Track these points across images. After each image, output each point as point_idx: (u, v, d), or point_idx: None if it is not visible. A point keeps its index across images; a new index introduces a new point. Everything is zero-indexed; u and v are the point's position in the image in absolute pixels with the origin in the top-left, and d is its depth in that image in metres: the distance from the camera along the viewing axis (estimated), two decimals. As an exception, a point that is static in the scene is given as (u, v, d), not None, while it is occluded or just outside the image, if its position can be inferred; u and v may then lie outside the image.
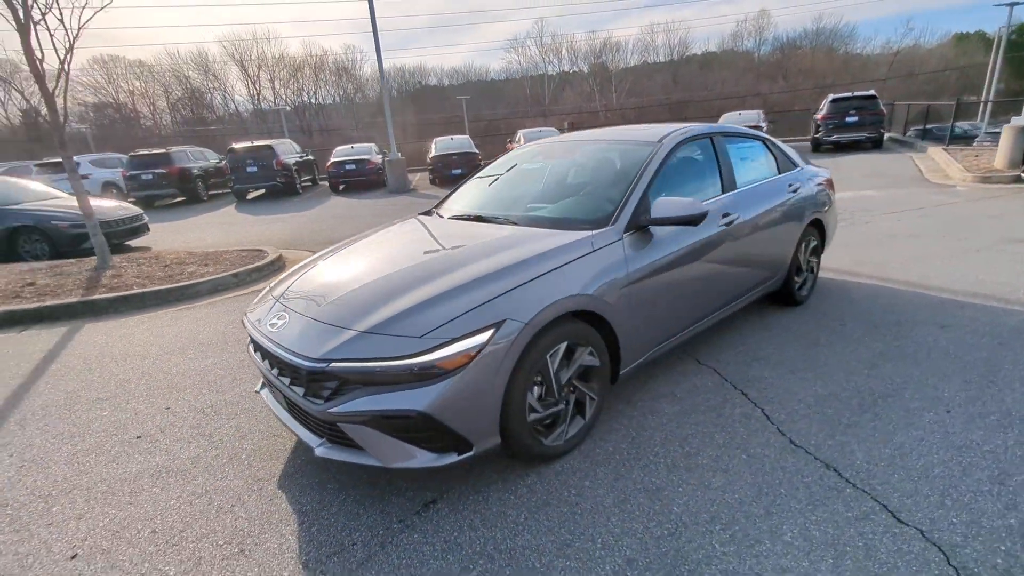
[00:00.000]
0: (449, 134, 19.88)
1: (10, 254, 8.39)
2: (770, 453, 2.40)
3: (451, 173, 15.62)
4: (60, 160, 17.96)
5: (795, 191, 3.87)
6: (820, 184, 4.24)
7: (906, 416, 2.61)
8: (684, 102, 41.44)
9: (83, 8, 6.29)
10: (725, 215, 3.19)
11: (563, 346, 2.33)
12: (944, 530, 1.88)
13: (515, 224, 2.90)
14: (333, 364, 2.02)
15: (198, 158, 17.45)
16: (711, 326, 3.36)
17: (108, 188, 16.68)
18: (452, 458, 2.09)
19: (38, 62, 6.12)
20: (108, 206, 9.44)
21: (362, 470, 2.42)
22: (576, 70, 52.76)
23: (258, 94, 50.11)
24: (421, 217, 3.49)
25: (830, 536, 1.89)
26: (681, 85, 46.27)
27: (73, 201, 9.64)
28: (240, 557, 1.98)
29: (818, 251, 4.28)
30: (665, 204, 2.68)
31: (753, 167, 3.73)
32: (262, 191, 16.75)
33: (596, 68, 50.24)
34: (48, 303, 5.48)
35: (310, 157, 19.03)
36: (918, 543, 1.83)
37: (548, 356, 2.27)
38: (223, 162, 17.14)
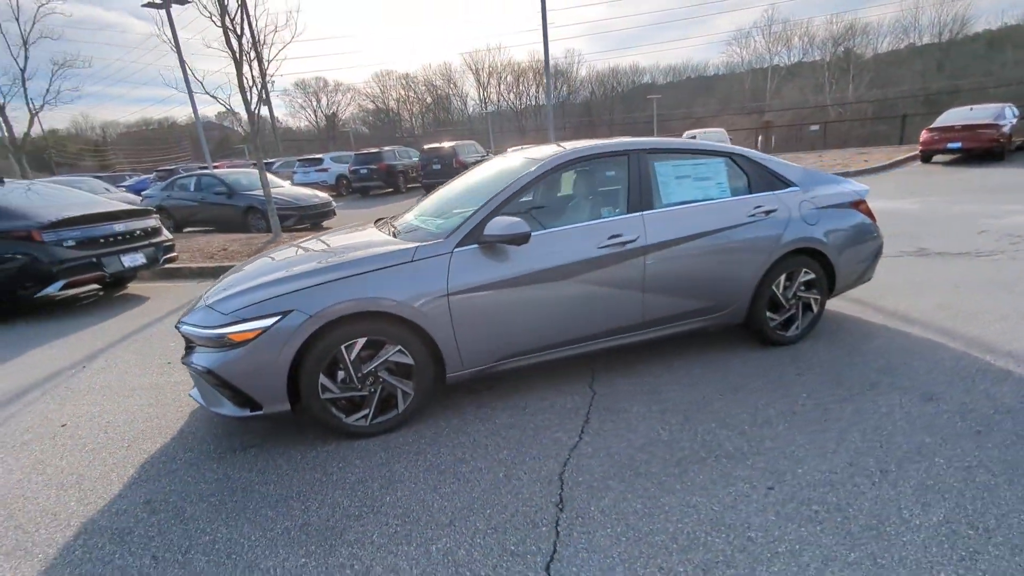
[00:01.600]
0: (647, 135, 19.56)
1: (244, 225, 11.32)
2: (519, 487, 2.36)
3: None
4: (316, 157, 22.88)
5: (767, 214, 3.33)
6: (825, 208, 3.51)
7: (707, 501, 2.26)
8: (950, 92, 33.23)
9: (270, 45, 8.23)
10: (614, 236, 3.01)
11: (361, 340, 2.65)
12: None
13: (396, 233, 3.22)
14: (183, 327, 2.72)
15: (403, 156, 20.46)
16: (641, 345, 3.21)
17: (340, 180, 20.71)
18: (246, 412, 2.61)
19: (249, 84, 8.25)
20: (306, 193, 11.96)
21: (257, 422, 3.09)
22: (808, 59, 46.21)
23: (486, 99, 55.54)
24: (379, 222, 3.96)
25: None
26: (948, 71, 36.95)
27: (292, 189, 12.51)
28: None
29: (818, 286, 3.56)
30: (495, 223, 2.75)
31: (696, 186, 3.32)
32: (447, 185, 19.02)
33: (835, 57, 43.26)
34: (224, 264, 7.48)
35: (490, 158, 20.74)
36: (532, 589, 1.75)
37: (343, 347, 2.62)
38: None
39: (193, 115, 13.78)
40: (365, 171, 19.10)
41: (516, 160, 3.35)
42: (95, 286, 6.78)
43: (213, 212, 11.78)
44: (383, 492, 2.33)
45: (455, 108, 62.63)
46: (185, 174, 12.82)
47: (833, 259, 3.52)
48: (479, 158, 19.32)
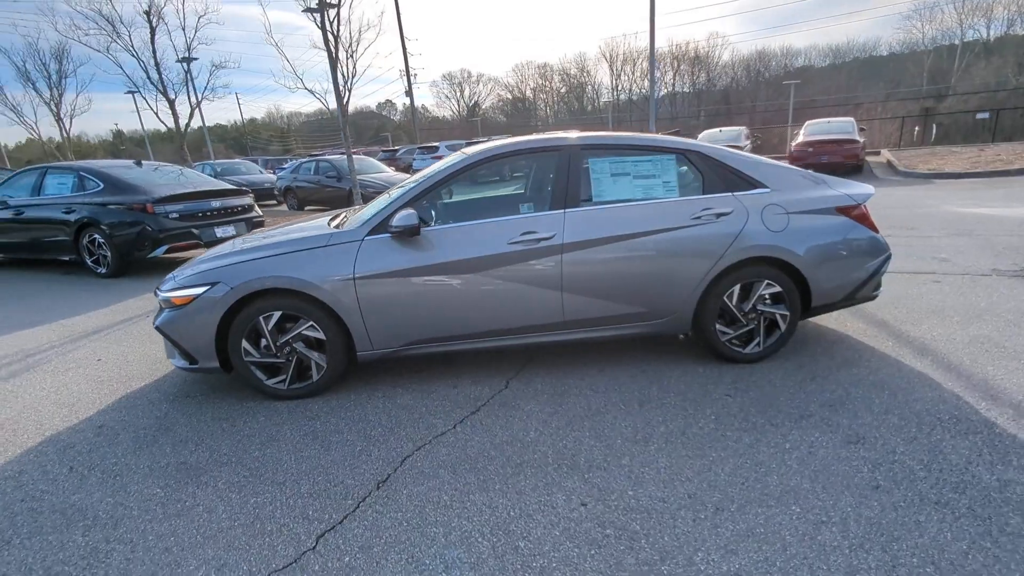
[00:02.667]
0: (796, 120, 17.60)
1: (348, 205, 12.55)
2: (363, 462, 2.49)
3: (819, 160, 12.91)
4: (433, 144, 24.23)
5: (718, 217, 3.00)
6: (800, 213, 3.04)
7: (510, 505, 2.19)
8: None
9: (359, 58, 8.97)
10: (528, 232, 2.94)
11: (277, 314, 2.95)
12: None
13: (343, 222, 3.45)
14: (157, 293, 3.25)
15: None
16: (565, 345, 3.15)
17: (454, 166, 21.77)
18: (186, 364, 3.06)
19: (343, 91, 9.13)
20: (401, 178, 12.84)
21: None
22: (1014, 33, 37.76)
23: (618, 87, 54.09)
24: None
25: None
26: None
27: (392, 175, 13.53)
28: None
29: (787, 301, 3.11)
30: (399, 216, 2.87)
31: (636, 185, 3.07)
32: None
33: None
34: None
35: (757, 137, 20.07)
36: None
37: (261, 317, 2.95)
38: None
39: (338, 105, 15.38)
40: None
41: (455, 155, 3.40)
42: (194, 252, 8.08)
43: (326, 193, 13.22)
44: (258, 447, 2.61)
45: (588, 97, 61.86)
46: (308, 159, 14.47)
47: (806, 271, 3.07)
48: None
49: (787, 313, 3.14)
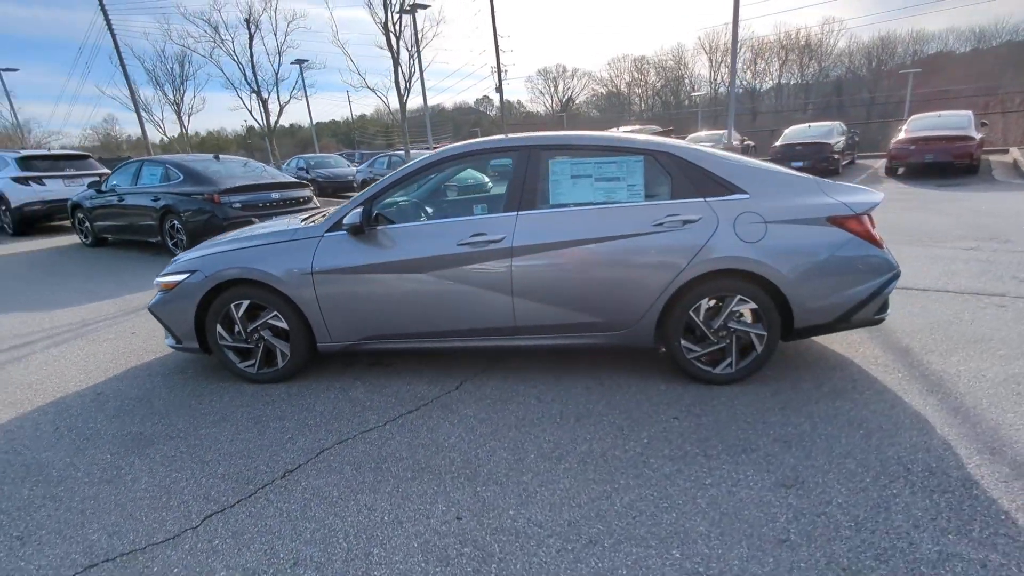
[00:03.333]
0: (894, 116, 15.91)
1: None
2: (285, 450, 2.56)
3: (923, 160, 11.49)
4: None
5: (684, 223, 2.74)
6: (781, 223, 2.69)
7: (388, 508, 2.15)
8: None
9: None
10: (478, 234, 2.87)
11: (246, 303, 3.13)
12: None
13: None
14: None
15: None
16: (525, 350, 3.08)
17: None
18: (174, 344, 3.35)
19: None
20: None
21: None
22: None
23: (716, 80, 51.09)
24: None
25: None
26: None
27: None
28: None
29: (764, 319, 2.77)
30: (350, 215, 2.92)
31: (597, 188, 2.86)
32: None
33: None
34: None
35: (749, 142, 19.12)
36: None
37: (232, 305, 3.15)
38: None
39: (399, 102, 16.07)
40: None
41: (422, 156, 3.39)
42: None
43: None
44: (208, 426, 2.80)
45: (684, 91, 59.02)
46: (381, 154, 15.16)
47: (786, 288, 2.72)
48: (740, 143, 18.32)
49: (763, 333, 2.81)
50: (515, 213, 2.90)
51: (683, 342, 2.88)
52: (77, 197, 9.31)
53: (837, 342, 3.38)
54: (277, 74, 12.93)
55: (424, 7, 24.34)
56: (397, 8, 21.36)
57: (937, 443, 2.27)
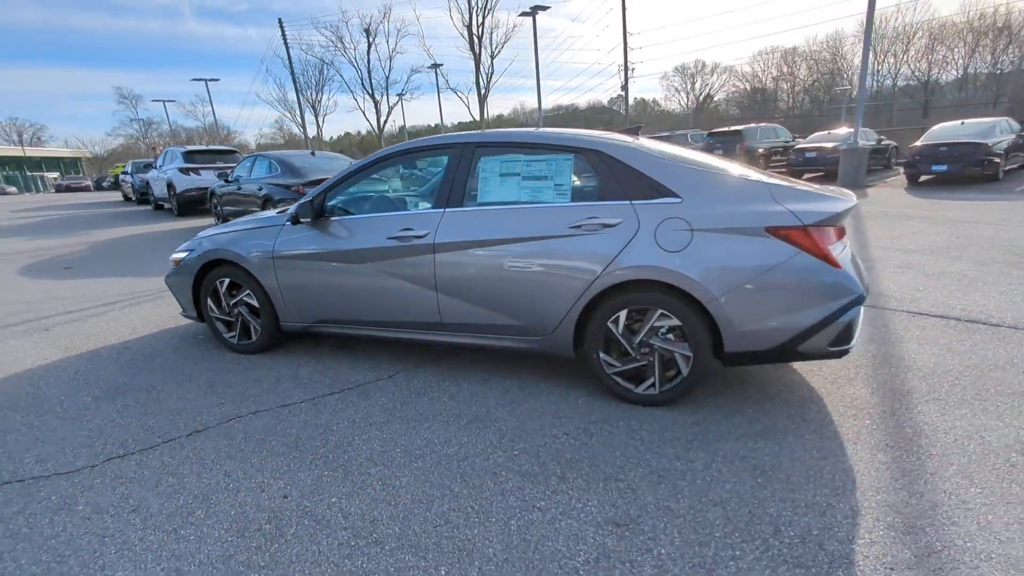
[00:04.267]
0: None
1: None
2: (190, 416, 2.82)
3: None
4: (668, 134, 23.38)
5: (604, 227, 2.50)
6: (710, 231, 2.34)
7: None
8: None
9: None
10: (406, 229, 2.89)
11: (227, 280, 3.50)
12: None
13: None
14: None
15: (767, 136, 17.00)
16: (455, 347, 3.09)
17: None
18: (183, 313, 3.85)
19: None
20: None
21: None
22: None
23: (879, 71, 44.58)
24: None
25: (112, 435, 2.62)
26: None
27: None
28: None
29: (690, 339, 2.42)
30: (298, 204, 3.11)
31: (524, 186, 2.71)
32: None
33: None
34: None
35: (889, 142, 16.53)
36: None
37: (217, 282, 3.54)
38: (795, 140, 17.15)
39: (478, 102, 16.30)
40: (720, 150, 15.41)
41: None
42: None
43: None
44: (172, 384, 3.18)
45: (840, 84, 52.34)
46: None
47: (711, 306, 2.37)
48: (777, 144, 16.46)
49: (689, 354, 2.48)
50: (442, 210, 2.88)
51: (602, 356, 2.64)
52: (213, 185, 10.98)
53: (819, 373, 2.86)
54: (388, 77, 13.90)
55: (544, 8, 24.64)
56: (480, 9, 21.50)
57: (843, 509, 1.84)
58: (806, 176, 14.13)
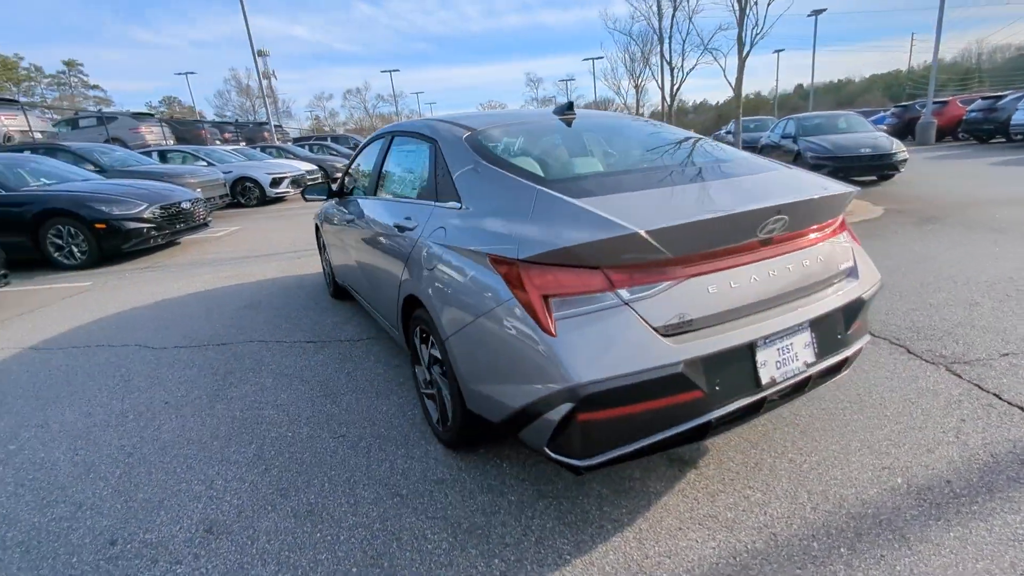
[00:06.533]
0: None
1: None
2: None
3: None
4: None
5: (401, 231, 2.22)
6: (456, 250, 1.75)
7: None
8: None
9: None
10: (358, 212, 3.10)
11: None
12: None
13: None
14: None
15: None
16: None
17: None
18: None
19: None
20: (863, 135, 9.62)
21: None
22: None
23: None
24: None
25: None
26: None
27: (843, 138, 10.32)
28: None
29: (449, 375, 1.88)
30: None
31: (396, 179, 2.54)
32: None
33: None
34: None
35: None
36: None
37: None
38: None
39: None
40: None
41: None
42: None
43: (776, 154, 11.55)
44: (317, 309, 4.41)
45: None
46: (794, 117, 12.62)
47: (446, 343, 1.83)
48: None
49: (447, 395, 1.99)
50: (364, 198, 3.00)
51: (416, 369, 2.37)
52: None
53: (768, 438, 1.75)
54: (685, 41, 12.30)
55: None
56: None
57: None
58: None
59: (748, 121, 17.00)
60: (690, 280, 1.49)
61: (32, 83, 50.45)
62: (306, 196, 3.78)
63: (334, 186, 3.70)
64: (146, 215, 6.87)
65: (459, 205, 1.93)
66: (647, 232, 1.37)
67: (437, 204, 2.08)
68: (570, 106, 2.45)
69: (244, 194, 13.01)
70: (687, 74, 12.93)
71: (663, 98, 14.32)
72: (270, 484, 2.04)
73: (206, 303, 4.73)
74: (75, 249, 6.65)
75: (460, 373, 1.78)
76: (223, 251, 7.25)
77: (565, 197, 1.60)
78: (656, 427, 1.46)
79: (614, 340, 1.39)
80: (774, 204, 1.55)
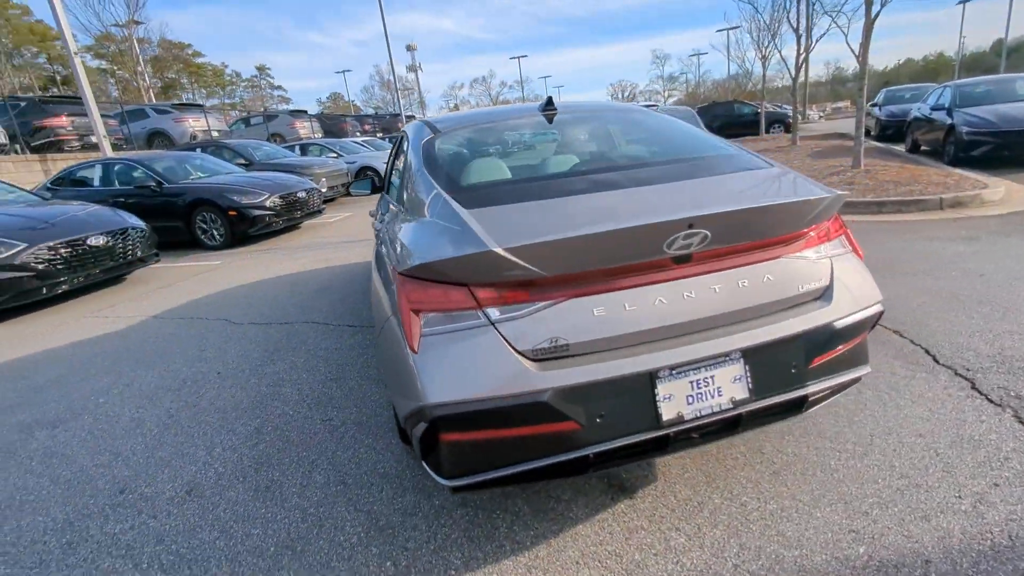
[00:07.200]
0: None
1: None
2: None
3: None
4: None
5: (379, 229, 2.24)
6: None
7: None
8: None
9: None
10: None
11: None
12: (234, 328, 4.14)
13: None
14: None
15: None
16: None
17: None
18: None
19: None
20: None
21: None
22: None
23: None
24: None
25: None
26: None
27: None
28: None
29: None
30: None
31: (395, 178, 2.51)
32: None
33: None
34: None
35: None
36: None
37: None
38: None
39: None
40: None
41: None
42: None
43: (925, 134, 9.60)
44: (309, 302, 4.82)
45: None
46: (945, 85, 10.40)
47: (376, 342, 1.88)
48: None
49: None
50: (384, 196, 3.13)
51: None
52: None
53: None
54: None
55: None
56: None
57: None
58: None
59: (904, 90, 14.36)
60: (570, 301, 1.35)
61: (233, 87, 59.83)
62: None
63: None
64: (267, 203, 7.87)
65: (402, 208, 1.95)
66: (505, 249, 1.27)
67: (392, 203, 2.12)
68: (549, 102, 2.31)
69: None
70: (816, 41, 11.28)
71: (795, 65, 12.73)
72: (253, 458, 2.28)
73: (292, 284, 5.31)
74: (215, 232, 7.86)
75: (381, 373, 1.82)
76: (329, 236, 8.04)
77: (456, 207, 1.54)
78: (529, 455, 1.37)
79: (473, 361, 1.32)
80: (683, 217, 1.33)
